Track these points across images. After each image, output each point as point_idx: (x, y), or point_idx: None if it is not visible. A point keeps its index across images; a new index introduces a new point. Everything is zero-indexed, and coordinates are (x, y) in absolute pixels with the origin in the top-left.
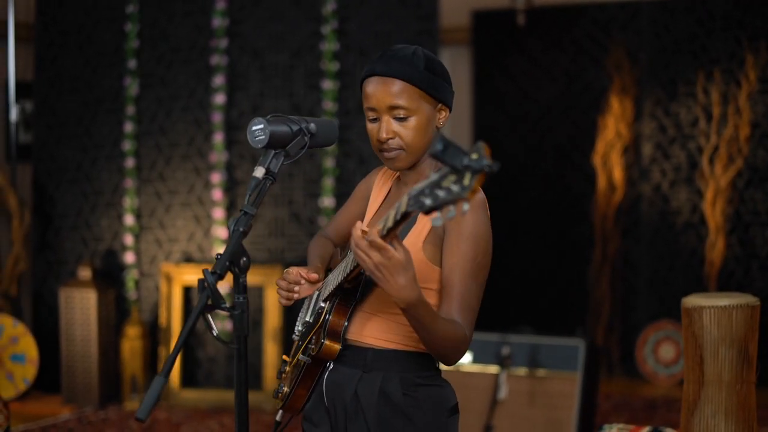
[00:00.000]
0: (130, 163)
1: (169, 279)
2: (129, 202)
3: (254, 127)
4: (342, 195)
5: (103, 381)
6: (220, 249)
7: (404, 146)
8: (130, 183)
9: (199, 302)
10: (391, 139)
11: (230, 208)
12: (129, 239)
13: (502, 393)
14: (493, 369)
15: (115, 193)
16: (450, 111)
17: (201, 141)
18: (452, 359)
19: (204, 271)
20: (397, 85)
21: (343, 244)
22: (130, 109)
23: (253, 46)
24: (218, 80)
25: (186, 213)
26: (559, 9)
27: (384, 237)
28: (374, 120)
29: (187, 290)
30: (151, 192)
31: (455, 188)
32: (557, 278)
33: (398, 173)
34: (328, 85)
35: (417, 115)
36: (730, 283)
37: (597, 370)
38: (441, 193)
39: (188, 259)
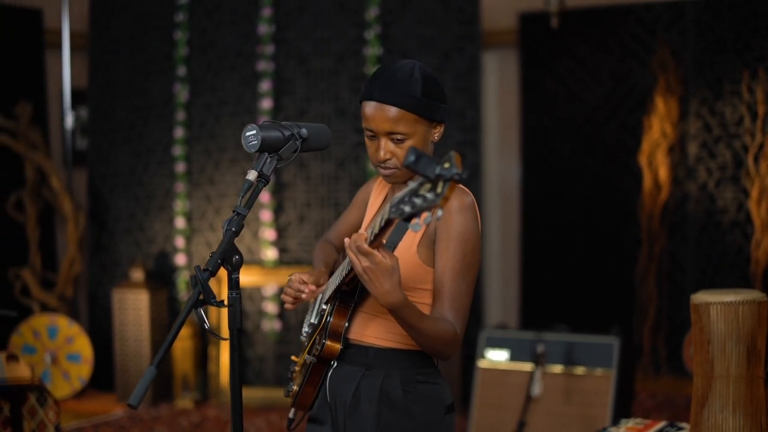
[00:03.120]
0: (180, 167)
1: (219, 280)
2: (180, 205)
3: (248, 133)
4: None
5: (155, 379)
6: (269, 250)
7: (399, 165)
8: (181, 187)
9: (191, 297)
10: (389, 159)
11: (277, 210)
12: (180, 241)
13: (536, 390)
14: (528, 367)
15: (167, 197)
16: (445, 124)
17: None
18: (444, 355)
19: (196, 268)
20: (393, 112)
21: (343, 248)
22: (181, 115)
23: (299, 52)
24: (265, 86)
25: None
26: (604, 10)
27: (372, 243)
28: (372, 137)
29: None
30: (201, 195)
31: (430, 196)
32: (604, 277)
33: None
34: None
35: (413, 138)
36: None
37: (632, 368)
38: (418, 201)
39: None
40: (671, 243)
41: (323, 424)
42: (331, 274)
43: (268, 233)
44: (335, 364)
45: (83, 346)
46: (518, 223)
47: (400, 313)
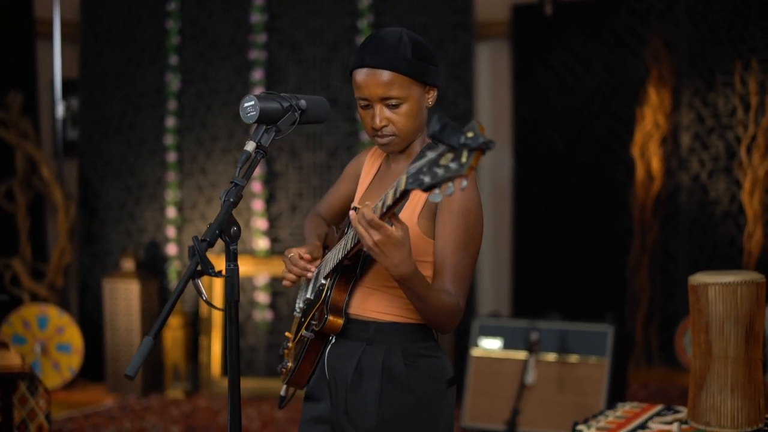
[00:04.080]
0: (172, 156)
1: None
2: (171, 194)
3: (246, 104)
4: None
5: (145, 370)
6: (261, 240)
7: (397, 132)
8: (172, 176)
9: (189, 268)
10: (385, 126)
11: (269, 200)
12: (171, 231)
13: (530, 378)
14: (522, 355)
15: (158, 187)
16: (438, 89)
17: (241, 135)
18: (447, 328)
19: (194, 238)
20: (386, 76)
21: (335, 221)
22: (172, 104)
23: (291, 41)
24: (257, 75)
25: None
26: (597, 0)
27: (382, 215)
28: (366, 107)
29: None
30: (192, 185)
31: (453, 165)
32: (596, 268)
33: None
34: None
35: (408, 102)
36: None
37: (626, 356)
38: (440, 171)
39: None
40: (664, 234)
41: (320, 401)
42: (324, 247)
43: (260, 223)
44: (333, 340)
45: (73, 336)
46: (510, 213)
47: (410, 284)
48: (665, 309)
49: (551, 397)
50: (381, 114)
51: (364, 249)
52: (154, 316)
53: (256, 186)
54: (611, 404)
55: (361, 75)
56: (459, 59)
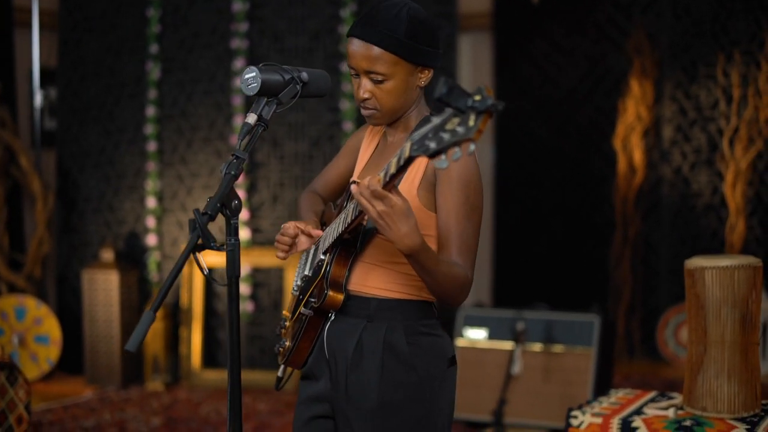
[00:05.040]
0: (152, 146)
1: (190, 261)
2: (151, 185)
3: (247, 75)
4: None
5: (125, 361)
6: (242, 231)
7: (378, 107)
8: (152, 166)
9: (190, 241)
10: (368, 99)
11: (250, 190)
12: (151, 222)
13: (516, 368)
14: (508, 345)
15: (138, 177)
16: (436, 69)
17: (222, 124)
18: (457, 300)
19: (195, 212)
20: (372, 51)
21: (331, 198)
22: (152, 93)
23: (273, 30)
24: (239, 64)
25: (207, 195)
26: None
27: (385, 185)
28: (355, 76)
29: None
30: (172, 175)
31: (461, 129)
32: (578, 261)
33: (385, 129)
34: (347, 67)
35: (393, 80)
36: None
37: (612, 346)
38: (446, 136)
39: None
40: (645, 226)
41: (318, 380)
42: (322, 224)
43: (241, 213)
44: (333, 317)
45: (52, 327)
46: (491, 205)
47: (419, 257)
48: (647, 301)
49: (537, 387)
50: (364, 86)
51: (364, 222)
52: (133, 308)
53: None
54: (598, 394)
55: (352, 44)
56: (442, 50)
